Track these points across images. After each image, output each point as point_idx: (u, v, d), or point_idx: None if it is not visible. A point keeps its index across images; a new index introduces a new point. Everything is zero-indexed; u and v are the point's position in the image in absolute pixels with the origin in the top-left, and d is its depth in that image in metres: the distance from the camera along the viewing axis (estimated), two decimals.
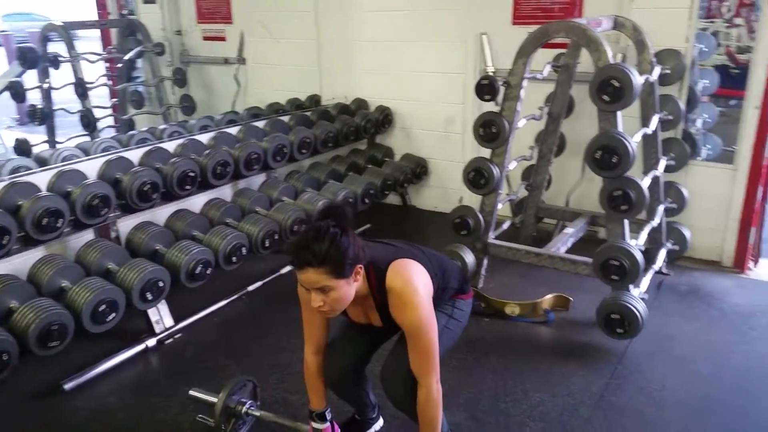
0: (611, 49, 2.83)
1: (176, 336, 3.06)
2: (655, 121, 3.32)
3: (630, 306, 2.78)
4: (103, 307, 2.60)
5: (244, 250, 3.24)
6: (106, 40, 6.15)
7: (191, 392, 2.39)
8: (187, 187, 3.23)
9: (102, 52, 5.93)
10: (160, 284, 2.83)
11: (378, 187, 4.16)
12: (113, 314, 2.66)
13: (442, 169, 4.66)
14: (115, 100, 5.89)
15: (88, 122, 5.35)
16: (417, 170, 4.57)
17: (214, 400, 2.27)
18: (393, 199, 4.83)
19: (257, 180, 3.90)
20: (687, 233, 3.62)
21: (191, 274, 2.98)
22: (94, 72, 5.61)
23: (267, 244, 3.36)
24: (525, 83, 3.10)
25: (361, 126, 4.47)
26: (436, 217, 4.63)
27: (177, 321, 3.09)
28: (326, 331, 2.01)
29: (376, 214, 4.36)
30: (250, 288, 3.51)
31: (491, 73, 4.14)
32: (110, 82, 5.85)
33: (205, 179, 3.36)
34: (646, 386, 2.61)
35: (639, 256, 2.79)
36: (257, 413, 2.32)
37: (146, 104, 5.99)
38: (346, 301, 1.74)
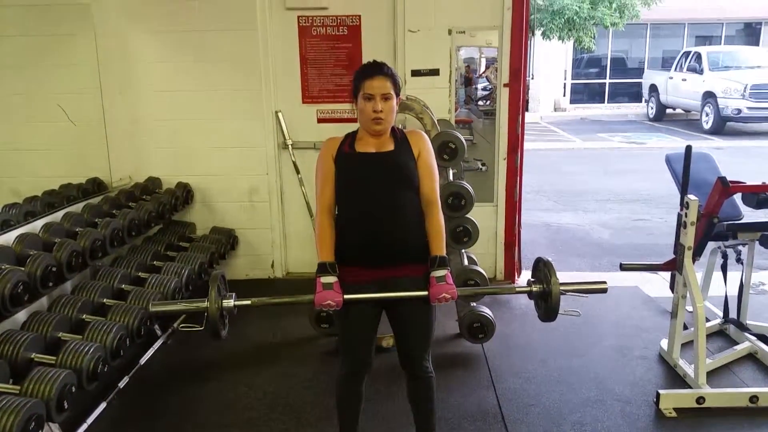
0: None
1: None
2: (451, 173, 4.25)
3: (486, 315, 3.55)
4: (32, 425, 2.22)
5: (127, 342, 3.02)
6: None
7: (152, 308, 2.22)
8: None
9: None
10: (73, 389, 2.50)
11: (208, 262, 4.18)
12: (39, 431, 2.28)
13: (251, 237, 4.87)
14: None
15: None
16: (230, 241, 4.68)
17: (200, 305, 2.12)
18: None
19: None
20: (474, 258, 4.61)
21: (92, 374, 2.68)
22: None
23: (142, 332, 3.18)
24: None
25: (169, 204, 4.39)
26: (253, 285, 4.80)
27: None
28: (333, 192, 2.31)
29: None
30: (120, 385, 3.23)
31: (290, 145, 4.64)
32: None
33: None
34: (517, 371, 3.39)
35: (485, 275, 3.59)
36: (248, 301, 2.21)
37: None
38: (391, 117, 2.29)
